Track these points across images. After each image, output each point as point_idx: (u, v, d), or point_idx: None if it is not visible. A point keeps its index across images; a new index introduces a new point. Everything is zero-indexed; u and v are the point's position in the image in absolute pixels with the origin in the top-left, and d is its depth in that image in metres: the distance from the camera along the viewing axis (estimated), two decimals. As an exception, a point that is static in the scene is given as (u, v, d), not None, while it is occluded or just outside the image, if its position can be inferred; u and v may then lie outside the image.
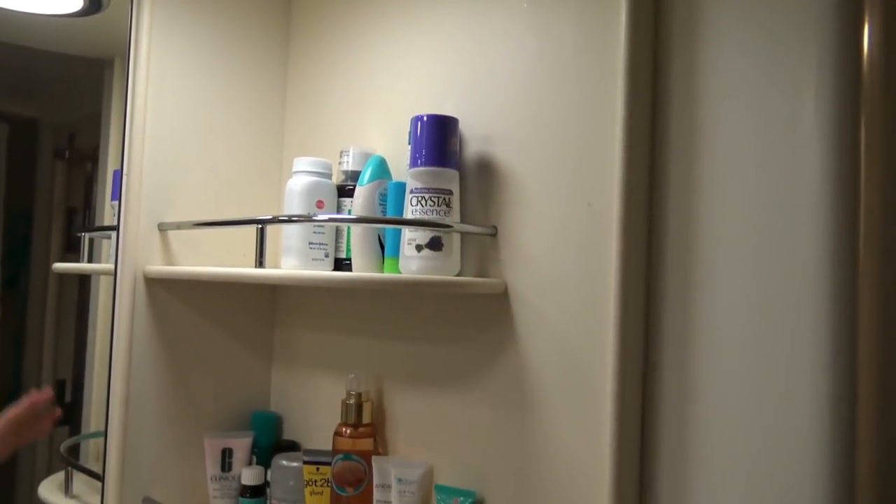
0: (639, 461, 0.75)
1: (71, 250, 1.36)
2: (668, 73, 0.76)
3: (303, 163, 0.99)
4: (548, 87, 0.83)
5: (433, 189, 0.85)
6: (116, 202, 1.06)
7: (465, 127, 0.90)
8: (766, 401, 0.67)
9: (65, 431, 1.35)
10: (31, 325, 1.45)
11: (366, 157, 0.98)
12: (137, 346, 1.04)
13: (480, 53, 0.91)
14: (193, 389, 1.09)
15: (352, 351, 1.06)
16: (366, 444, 0.95)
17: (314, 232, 0.96)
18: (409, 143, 0.88)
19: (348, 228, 0.97)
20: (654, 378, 0.75)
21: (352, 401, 0.96)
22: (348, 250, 0.98)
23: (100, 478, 1.04)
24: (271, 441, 1.11)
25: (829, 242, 0.64)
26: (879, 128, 0.64)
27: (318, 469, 0.98)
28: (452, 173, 0.87)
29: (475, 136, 0.90)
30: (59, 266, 1.36)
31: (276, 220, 0.90)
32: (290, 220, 0.92)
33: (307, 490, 0.99)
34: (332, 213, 0.98)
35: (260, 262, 0.89)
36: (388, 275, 0.90)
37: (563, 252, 0.80)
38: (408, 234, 0.86)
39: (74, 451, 1.26)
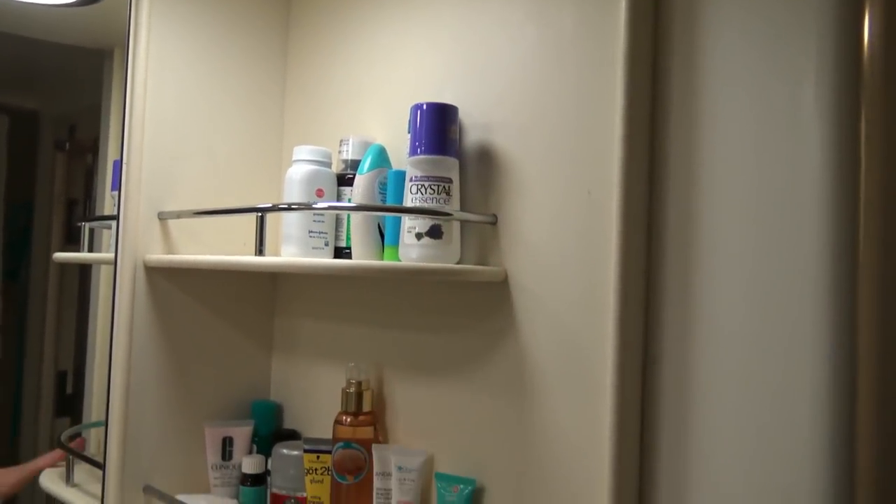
0: (638, 449, 0.76)
1: (72, 242, 1.36)
2: (668, 61, 0.76)
3: (302, 151, 0.99)
4: (547, 75, 0.83)
5: (433, 177, 0.85)
6: (116, 192, 1.06)
7: (464, 115, 0.90)
8: (765, 389, 0.67)
9: (66, 422, 1.35)
10: (32, 316, 1.45)
11: (365, 145, 0.98)
12: (138, 335, 1.04)
13: (479, 42, 0.91)
14: (194, 378, 1.10)
15: (352, 339, 1.06)
16: (366, 432, 0.96)
17: (314, 220, 0.96)
18: (409, 132, 0.88)
19: (348, 217, 0.97)
20: (654, 367, 0.75)
21: (352, 389, 0.96)
22: (348, 239, 0.98)
23: (101, 466, 1.05)
24: (272, 430, 1.12)
25: (829, 234, 0.64)
26: (880, 118, 0.64)
27: (318, 457, 0.99)
28: (452, 161, 0.87)
29: (475, 124, 0.90)
30: (60, 256, 1.36)
31: (275, 208, 0.90)
32: (289, 208, 0.92)
33: (308, 478, 0.99)
34: (332, 202, 0.98)
35: (260, 251, 0.89)
36: (387, 262, 0.90)
37: (562, 240, 0.80)
38: (407, 222, 0.86)
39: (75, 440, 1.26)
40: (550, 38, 0.83)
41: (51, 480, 1.19)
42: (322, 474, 0.98)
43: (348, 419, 0.96)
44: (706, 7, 0.73)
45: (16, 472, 1.18)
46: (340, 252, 0.99)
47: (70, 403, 1.38)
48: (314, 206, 0.93)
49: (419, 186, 0.85)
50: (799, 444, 0.65)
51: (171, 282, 1.07)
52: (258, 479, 1.06)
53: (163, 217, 1.06)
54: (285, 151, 1.16)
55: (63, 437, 1.24)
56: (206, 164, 1.11)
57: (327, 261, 0.95)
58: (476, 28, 0.91)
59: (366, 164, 0.95)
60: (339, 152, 1.02)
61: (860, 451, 0.63)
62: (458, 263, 0.88)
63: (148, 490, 1.04)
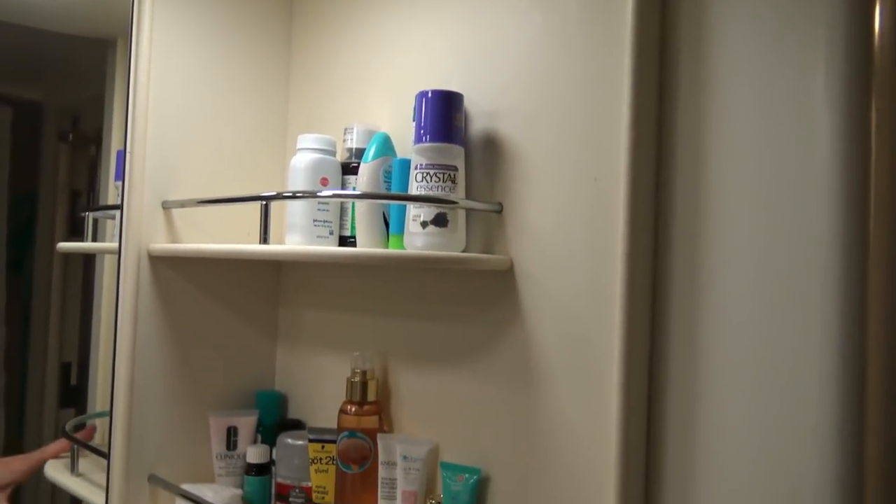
0: (645, 439, 0.75)
1: (76, 233, 1.36)
2: (676, 49, 0.75)
3: (307, 140, 0.98)
4: (554, 62, 0.82)
5: (438, 165, 0.85)
6: (120, 182, 1.06)
7: (470, 103, 0.90)
8: (773, 379, 0.67)
9: (70, 413, 1.35)
10: (36, 307, 1.45)
11: (370, 134, 0.98)
12: (142, 325, 1.04)
13: (485, 28, 0.90)
14: (198, 367, 1.09)
15: (356, 329, 1.05)
16: (371, 421, 0.95)
17: (318, 209, 0.96)
18: (414, 120, 0.87)
19: (353, 206, 0.97)
20: (661, 356, 0.75)
21: (357, 379, 0.96)
22: (353, 228, 0.97)
23: (105, 456, 1.05)
24: (276, 420, 1.12)
25: (839, 223, 0.63)
26: (890, 108, 0.63)
27: (323, 447, 0.98)
28: (458, 149, 0.86)
29: (480, 112, 0.89)
30: (64, 246, 1.36)
31: (280, 197, 0.89)
32: (294, 196, 0.92)
33: (312, 468, 0.99)
34: (337, 189, 0.97)
35: (264, 239, 0.89)
36: (392, 250, 0.90)
37: (569, 228, 0.80)
38: (413, 210, 0.86)
39: (80, 430, 1.26)
40: (557, 24, 0.82)
41: (55, 470, 1.19)
42: (327, 464, 0.98)
43: (353, 409, 0.95)
44: (714, -7, 0.72)
45: (23, 461, 1.18)
46: (345, 241, 0.99)
47: (74, 394, 1.38)
48: (319, 194, 0.93)
49: (424, 174, 0.85)
50: (807, 435, 0.64)
51: (175, 271, 1.07)
52: (263, 469, 1.06)
53: (167, 206, 1.05)
54: (289, 140, 1.16)
55: (68, 427, 1.24)
56: (210, 153, 1.10)
57: (332, 248, 0.95)
58: (482, 14, 0.90)
59: (370, 153, 0.94)
60: (344, 141, 1.01)
61: (869, 441, 0.62)
62: (463, 252, 0.87)
63: (153, 479, 1.04)
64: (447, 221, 0.85)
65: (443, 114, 0.85)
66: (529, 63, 0.84)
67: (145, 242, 1.04)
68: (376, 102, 1.04)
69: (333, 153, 1.00)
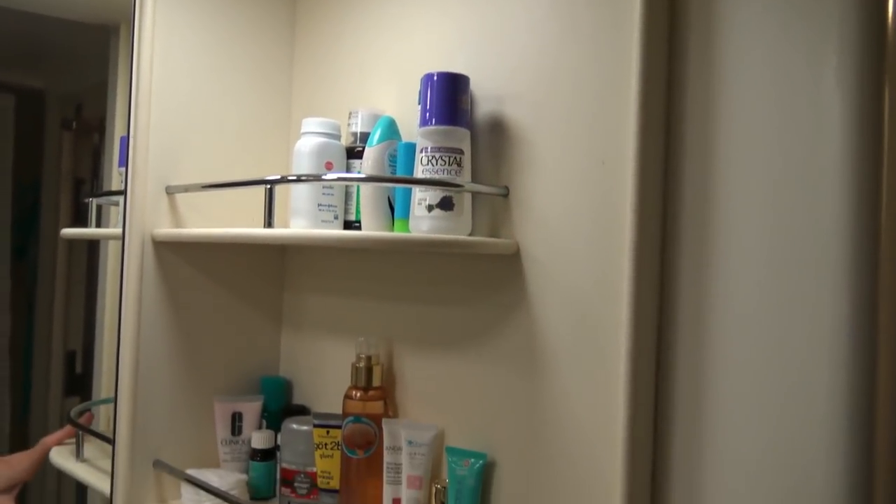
0: (652, 423, 0.75)
1: (80, 221, 1.36)
2: (686, 31, 0.74)
3: (311, 124, 0.97)
4: (561, 43, 0.81)
5: (444, 148, 0.84)
6: (124, 169, 1.05)
7: (476, 86, 0.89)
8: (781, 366, 0.66)
9: (75, 402, 1.35)
10: (40, 296, 1.45)
11: (375, 118, 0.97)
12: (146, 310, 1.03)
13: (491, 9, 0.89)
14: (203, 353, 1.09)
15: (361, 314, 1.05)
16: (376, 407, 0.95)
17: (323, 193, 0.95)
18: (419, 103, 0.86)
19: (357, 190, 0.96)
20: (668, 342, 0.74)
21: (362, 364, 0.95)
22: (358, 212, 0.97)
23: (111, 442, 1.05)
24: (281, 405, 1.11)
25: (850, 213, 0.63)
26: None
27: (328, 432, 0.98)
28: (463, 132, 0.85)
29: (487, 95, 0.88)
30: (68, 232, 1.36)
31: (284, 180, 0.89)
32: (298, 180, 0.91)
33: (317, 453, 0.99)
34: (342, 173, 0.97)
35: (269, 224, 0.88)
36: (398, 234, 0.89)
37: (576, 212, 0.79)
38: (418, 194, 0.85)
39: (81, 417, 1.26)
40: (564, 5, 0.81)
41: (61, 456, 1.19)
42: (332, 449, 0.98)
43: (358, 394, 0.95)
44: (725, -26, 0.71)
45: (29, 456, 1.18)
46: (350, 226, 0.98)
47: (79, 383, 1.38)
48: (324, 177, 0.92)
49: (430, 158, 0.84)
50: (815, 426, 0.64)
51: (179, 256, 1.06)
52: (268, 455, 1.06)
53: (170, 191, 1.05)
54: (294, 124, 1.15)
55: (73, 414, 1.24)
56: (214, 139, 1.10)
57: (337, 232, 0.94)
58: (488, -4, 0.89)
59: (375, 137, 0.93)
60: (349, 125, 1.00)
61: (878, 436, 0.62)
62: (469, 236, 0.86)
63: (158, 465, 1.04)
64: (453, 205, 0.84)
65: (449, 96, 0.84)
66: (536, 45, 0.84)
67: (149, 228, 1.04)
68: (381, 86, 1.03)
69: (338, 137, 0.99)
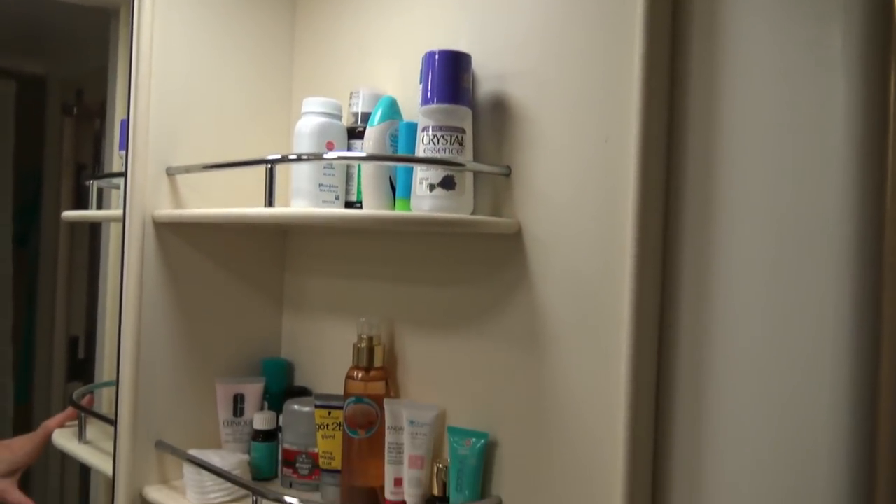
0: (654, 402, 0.74)
1: (81, 207, 1.36)
2: (690, 7, 0.73)
3: (312, 103, 0.97)
4: (563, 21, 0.80)
5: (445, 127, 0.84)
6: (124, 152, 1.05)
7: (477, 66, 0.88)
8: (785, 338, 0.66)
9: (78, 387, 1.36)
10: (43, 282, 1.45)
11: (376, 98, 0.96)
12: (147, 291, 1.03)
13: (494, -13, 0.88)
14: (204, 334, 1.09)
15: (363, 295, 1.05)
16: (378, 387, 0.95)
17: (324, 174, 0.94)
18: (421, 82, 0.86)
19: (359, 171, 0.96)
20: (671, 320, 0.74)
21: (363, 345, 0.95)
22: (359, 193, 0.96)
23: (112, 423, 1.05)
24: (282, 387, 1.11)
25: (855, 181, 0.62)
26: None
27: (329, 413, 0.98)
28: (465, 111, 0.85)
29: (488, 74, 0.88)
30: (69, 214, 1.36)
31: (285, 160, 0.88)
32: (299, 159, 0.91)
33: (319, 434, 0.99)
34: (343, 152, 0.96)
35: (269, 203, 0.88)
36: (400, 212, 0.89)
37: (578, 191, 0.79)
38: (420, 173, 0.85)
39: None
40: (567, -19, 0.80)
41: (64, 438, 1.20)
42: (333, 430, 0.98)
43: (360, 374, 0.95)
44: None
45: (31, 440, 1.18)
46: (351, 206, 0.98)
47: (82, 368, 1.38)
48: (325, 156, 0.92)
49: (431, 137, 0.84)
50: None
51: (180, 237, 1.06)
52: (269, 436, 1.06)
53: (171, 172, 1.05)
54: (294, 105, 1.15)
55: (75, 396, 1.24)
56: (214, 120, 1.09)
57: (338, 210, 0.94)
58: (490, -26, 0.89)
59: (377, 116, 0.93)
60: (350, 105, 1.00)
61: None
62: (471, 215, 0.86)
63: (160, 445, 1.04)
64: (455, 184, 0.84)
65: (450, 74, 0.84)
66: (538, 23, 0.83)
67: (150, 209, 1.03)
68: (383, 66, 1.02)
69: (339, 117, 0.99)
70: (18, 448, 1.16)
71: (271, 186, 0.87)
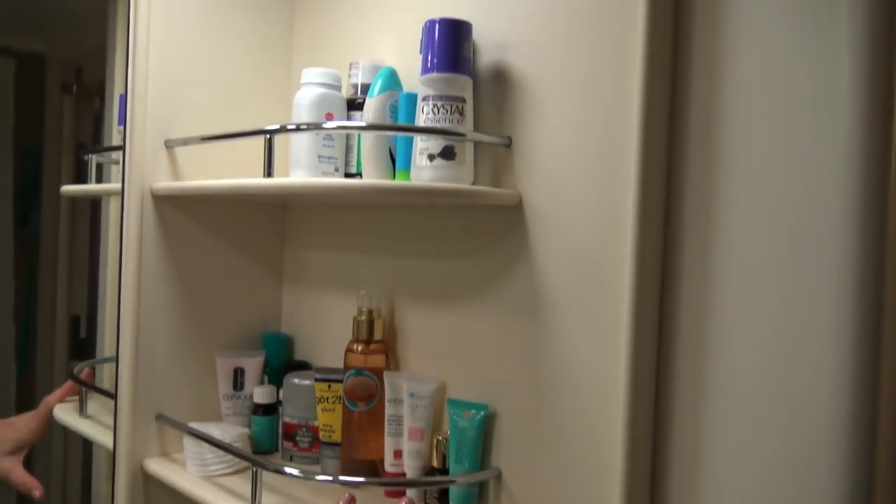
0: (654, 373, 0.74)
1: (81, 184, 1.35)
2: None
3: (311, 74, 0.96)
4: (565, -12, 0.79)
5: (446, 96, 0.83)
6: (123, 126, 1.04)
7: (478, 34, 0.87)
8: (787, 316, 0.65)
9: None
10: (44, 261, 1.45)
11: (376, 69, 0.96)
12: (147, 264, 1.03)
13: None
14: (204, 308, 1.09)
15: (362, 268, 1.04)
16: (377, 360, 0.95)
17: (324, 145, 0.94)
18: (421, 52, 0.85)
19: (358, 142, 0.95)
20: (672, 290, 0.73)
21: (363, 317, 0.95)
22: (359, 164, 0.96)
23: (112, 396, 1.05)
24: (283, 361, 1.11)
25: (861, 155, 0.61)
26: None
27: (329, 386, 0.98)
28: (465, 80, 0.84)
29: (489, 43, 0.87)
30: (68, 189, 1.35)
31: (284, 130, 0.88)
32: (298, 129, 0.90)
33: (319, 407, 0.99)
34: (342, 121, 0.95)
35: (268, 174, 0.87)
36: (400, 182, 0.88)
37: (579, 161, 0.78)
38: (420, 143, 0.84)
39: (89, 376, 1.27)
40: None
41: (65, 413, 1.20)
42: (333, 403, 0.98)
43: (359, 347, 0.95)
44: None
45: (34, 418, 1.18)
46: (351, 178, 0.97)
47: (84, 347, 1.39)
48: (324, 125, 0.91)
49: (432, 106, 0.83)
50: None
51: (179, 211, 1.06)
52: (270, 409, 1.06)
53: (170, 145, 1.04)
54: (294, 77, 1.14)
55: (76, 371, 1.24)
56: (213, 91, 1.08)
57: (338, 180, 0.93)
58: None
59: (376, 87, 0.92)
60: (350, 76, 0.99)
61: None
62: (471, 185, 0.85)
63: (160, 418, 1.04)
64: (455, 154, 0.83)
65: (451, 43, 0.83)
66: (540, -10, 0.82)
67: (148, 182, 1.03)
68: (382, 37, 1.01)
69: (339, 88, 0.98)
70: (23, 426, 1.17)
71: (270, 157, 0.87)
